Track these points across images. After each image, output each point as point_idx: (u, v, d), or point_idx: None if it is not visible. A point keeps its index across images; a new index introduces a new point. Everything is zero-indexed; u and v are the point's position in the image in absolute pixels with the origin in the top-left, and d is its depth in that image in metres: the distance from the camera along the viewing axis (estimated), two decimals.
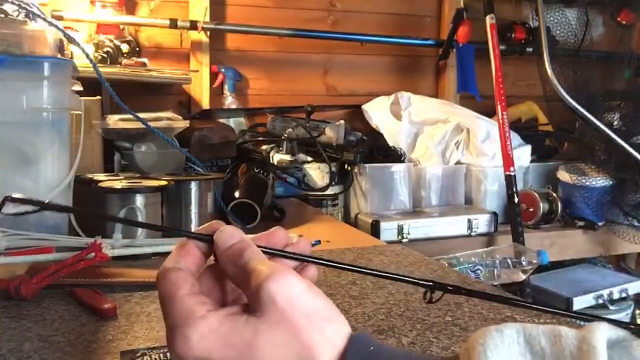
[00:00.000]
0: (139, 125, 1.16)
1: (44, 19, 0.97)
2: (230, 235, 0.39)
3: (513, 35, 2.20)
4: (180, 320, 0.35)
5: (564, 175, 1.84)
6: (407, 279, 0.43)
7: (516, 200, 1.68)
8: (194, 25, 1.85)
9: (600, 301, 1.75)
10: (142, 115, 1.15)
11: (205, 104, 1.93)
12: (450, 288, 0.42)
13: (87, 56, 1.03)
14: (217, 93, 1.97)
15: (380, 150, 1.78)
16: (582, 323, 0.63)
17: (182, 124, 1.33)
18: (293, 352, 0.34)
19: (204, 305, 0.36)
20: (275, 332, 0.34)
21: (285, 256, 0.41)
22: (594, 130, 1.78)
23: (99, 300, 0.69)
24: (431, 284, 0.43)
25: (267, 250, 0.40)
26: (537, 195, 1.75)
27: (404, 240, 1.56)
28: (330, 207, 1.66)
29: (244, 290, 0.37)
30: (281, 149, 1.70)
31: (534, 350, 0.32)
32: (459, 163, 1.85)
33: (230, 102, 1.95)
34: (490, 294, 0.42)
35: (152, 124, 1.17)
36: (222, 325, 0.35)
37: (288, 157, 1.66)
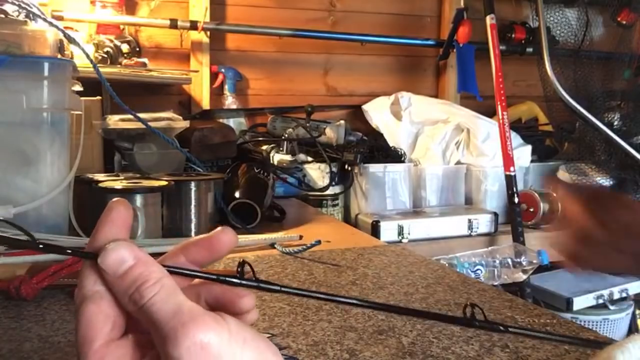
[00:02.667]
0: (139, 125, 1.16)
1: (44, 19, 0.97)
2: (121, 257, 0.29)
3: (513, 35, 2.20)
4: None
5: (564, 175, 1.84)
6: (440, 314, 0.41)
7: (516, 200, 1.68)
8: (194, 25, 1.85)
9: (600, 301, 1.75)
10: (142, 115, 1.15)
11: (205, 104, 1.93)
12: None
13: (87, 56, 1.03)
14: (217, 93, 1.97)
15: (380, 150, 1.78)
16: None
17: (182, 124, 1.33)
18: None
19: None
20: None
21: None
22: (594, 130, 1.78)
23: None
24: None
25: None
26: (537, 195, 1.75)
27: (404, 240, 1.56)
28: (330, 207, 1.66)
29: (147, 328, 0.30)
30: (281, 149, 1.70)
31: None
32: (459, 163, 1.85)
33: (230, 102, 1.95)
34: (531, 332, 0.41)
35: (152, 124, 1.17)
36: None
37: (288, 157, 1.66)
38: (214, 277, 0.33)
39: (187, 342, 0.27)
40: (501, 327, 0.38)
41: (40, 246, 0.31)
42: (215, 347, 0.28)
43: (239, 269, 0.34)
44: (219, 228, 0.34)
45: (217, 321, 0.29)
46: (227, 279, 0.33)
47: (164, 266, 0.31)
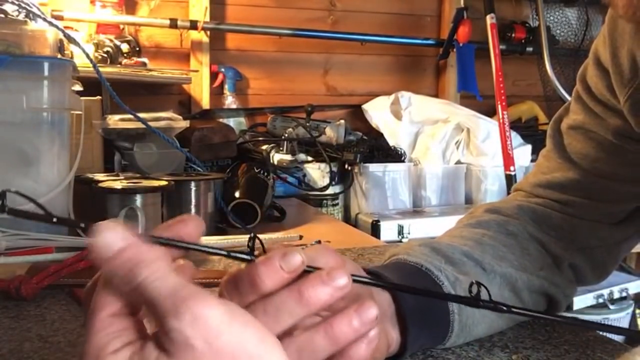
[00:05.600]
0: (139, 125, 1.16)
1: (44, 19, 0.97)
2: (111, 237, 0.30)
3: (513, 35, 2.20)
4: (90, 353, 0.29)
5: None
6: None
7: None
8: (193, 25, 1.85)
9: (600, 300, 1.75)
10: (142, 115, 1.15)
11: (205, 104, 1.93)
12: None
13: (87, 56, 1.03)
14: (217, 93, 1.97)
15: (380, 150, 1.78)
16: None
17: (182, 123, 1.33)
18: None
19: (120, 336, 0.30)
20: None
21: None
22: None
23: None
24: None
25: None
26: None
27: (404, 240, 1.56)
28: (330, 206, 1.66)
29: (146, 311, 0.30)
30: (281, 148, 1.70)
31: None
32: (459, 162, 1.85)
33: (230, 101, 1.95)
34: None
35: (152, 124, 1.17)
36: None
37: (288, 157, 1.66)
38: (225, 253, 0.34)
39: (188, 316, 0.27)
40: (504, 307, 0.38)
41: (54, 220, 0.33)
42: (215, 322, 0.28)
43: (249, 243, 0.35)
44: (185, 216, 0.34)
45: (219, 300, 0.29)
46: (239, 255, 0.34)
47: (172, 242, 0.32)
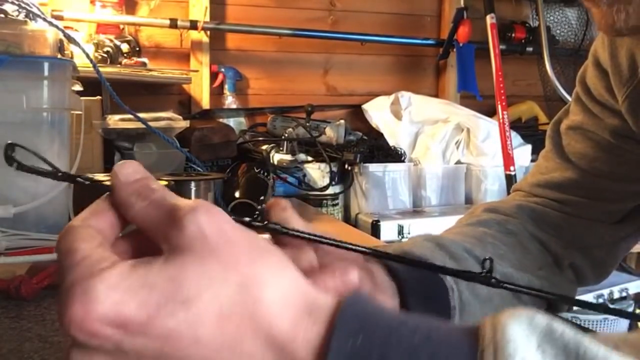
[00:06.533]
0: (139, 125, 1.16)
1: (44, 19, 0.97)
2: (134, 168, 0.32)
3: (513, 35, 2.20)
4: (79, 274, 0.27)
5: None
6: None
7: None
8: (193, 25, 1.85)
9: (600, 300, 1.75)
10: (142, 115, 1.15)
11: (205, 104, 1.93)
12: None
13: (87, 56, 1.03)
14: (217, 93, 1.97)
15: (380, 150, 1.78)
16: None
17: (182, 123, 1.33)
18: (232, 283, 0.26)
19: (108, 259, 0.28)
20: (207, 263, 0.27)
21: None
22: None
23: None
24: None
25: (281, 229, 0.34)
26: None
27: (404, 240, 1.56)
28: (330, 206, 1.66)
29: (157, 233, 0.29)
30: (281, 148, 1.70)
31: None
32: (459, 162, 1.85)
33: (230, 101, 1.95)
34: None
35: (152, 124, 1.17)
36: (136, 270, 0.27)
37: (288, 157, 1.66)
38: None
39: (203, 208, 0.28)
40: (513, 287, 0.38)
41: (60, 175, 0.35)
42: (230, 220, 0.29)
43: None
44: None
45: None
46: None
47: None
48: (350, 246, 0.39)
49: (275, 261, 0.28)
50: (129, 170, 0.32)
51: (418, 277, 0.48)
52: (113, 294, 0.26)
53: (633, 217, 0.64)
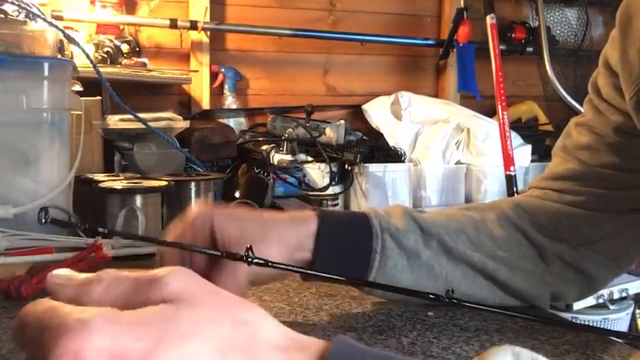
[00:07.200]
0: (139, 125, 1.16)
1: (44, 19, 0.97)
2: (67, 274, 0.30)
3: (513, 35, 2.20)
4: (71, 312, 0.26)
5: None
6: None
7: None
8: (193, 25, 1.85)
9: (600, 300, 1.75)
10: (142, 115, 1.15)
11: (205, 104, 1.93)
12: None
13: (87, 56, 1.03)
14: (217, 93, 1.97)
15: (380, 150, 1.78)
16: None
17: (182, 124, 1.33)
18: (226, 323, 0.27)
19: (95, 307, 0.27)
20: (199, 310, 0.27)
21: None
22: None
23: None
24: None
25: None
26: None
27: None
28: (330, 206, 1.66)
29: (133, 302, 0.27)
30: (281, 148, 1.70)
31: None
32: (459, 163, 1.85)
33: (230, 102, 1.95)
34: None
35: (152, 124, 1.17)
36: (129, 311, 0.26)
37: (288, 157, 1.66)
38: (220, 253, 0.35)
39: (179, 278, 0.28)
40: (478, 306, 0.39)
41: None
42: (209, 284, 0.29)
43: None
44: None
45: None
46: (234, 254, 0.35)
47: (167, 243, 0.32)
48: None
49: (259, 309, 0.29)
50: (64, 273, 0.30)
51: (344, 218, 0.59)
52: (111, 326, 0.25)
53: (634, 208, 0.64)
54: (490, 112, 1.94)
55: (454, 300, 0.40)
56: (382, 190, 1.70)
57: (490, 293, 0.62)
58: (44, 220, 0.33)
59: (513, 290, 0.62)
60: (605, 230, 0.64)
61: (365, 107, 2.02)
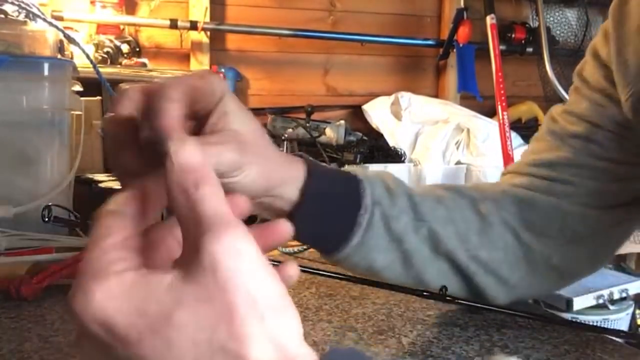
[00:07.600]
0: None
1: (44, 19, 0.97)
2: (191, 152, 0.29)
3: (513, 35, 2.20)
4: (88, 271, 0.28)
5: None
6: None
7: None
8: (194, 25, 1.85)
9: (600, 301, 1.75)
10: None
11: None
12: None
13: (87, 56, 1.03)
14: None
15: (380, 150, 1.78)
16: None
17: None
18: (218, 340, 0.26)
19: (125, 261, 0.28)
20: (203, 310, 0.26)
21: None
22: None
23: None
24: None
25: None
26: None
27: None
28: None
29: (183, 231, 0.29)
30: (281, 149, 1.70)
31: None
32: (459, 163, 1.85)
33: None
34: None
35: None
36: (137, 287, 0.27)
37: None
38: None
39: (227, 241, 0.26)
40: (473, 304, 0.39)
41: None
42: (250, 259, 0.27)
43: None
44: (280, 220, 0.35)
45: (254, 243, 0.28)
46: None
47: None
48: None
49: (276, 325, 0.27)
50: (185, 153, 0.29)
51: (335, 179, 0.54)
52: (109, 304, 0.27)
53: (625, 202, 0.62)
54: (490, 113, 1.94)
55: (447, 298, 0.39)
56: None
57: (461, 293, 0.61)
58: (47, 219, 0.33)
59: (481, 292, 0.61)
60: (596, 227, 0.62)
61: (365, 107, 2.02)
